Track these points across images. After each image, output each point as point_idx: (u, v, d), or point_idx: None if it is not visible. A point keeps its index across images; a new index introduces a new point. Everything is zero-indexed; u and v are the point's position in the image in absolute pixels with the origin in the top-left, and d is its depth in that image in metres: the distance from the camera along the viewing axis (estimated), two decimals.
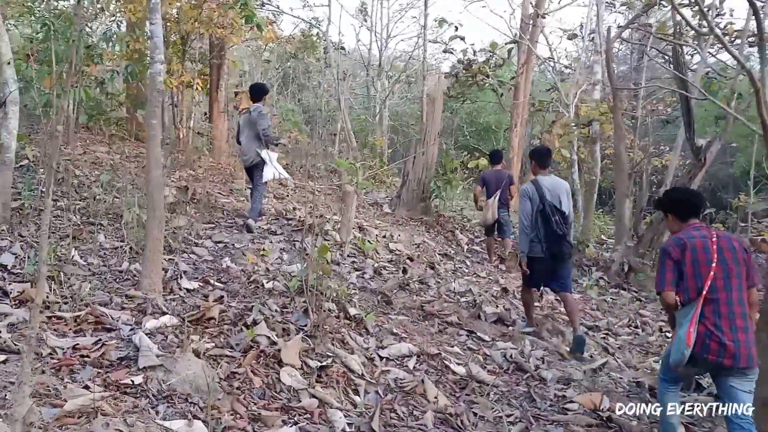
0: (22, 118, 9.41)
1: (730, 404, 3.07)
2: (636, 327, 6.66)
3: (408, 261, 7.01)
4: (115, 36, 9.58)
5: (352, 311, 4.46)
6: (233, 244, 5.61)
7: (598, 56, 9.99)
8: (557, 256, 5.08)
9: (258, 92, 6.76)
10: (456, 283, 6.32)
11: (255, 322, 3.68)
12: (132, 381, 2.78)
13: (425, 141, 9.93)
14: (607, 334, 6.18)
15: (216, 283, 4.46)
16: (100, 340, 3.10)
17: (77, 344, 3.02)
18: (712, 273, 3.11)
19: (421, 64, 19.45)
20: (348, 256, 6.34)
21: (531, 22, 14.53)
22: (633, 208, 8.78)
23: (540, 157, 5.29)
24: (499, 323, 5.42)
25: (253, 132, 6.51)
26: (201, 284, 4.37)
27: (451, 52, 16.10)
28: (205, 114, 12.70)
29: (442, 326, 5.04)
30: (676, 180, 8.64)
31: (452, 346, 4.65)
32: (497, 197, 7.80)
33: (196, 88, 10.15)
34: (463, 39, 15.53)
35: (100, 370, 2.85)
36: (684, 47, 7.56)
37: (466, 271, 7.59)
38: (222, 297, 4.13)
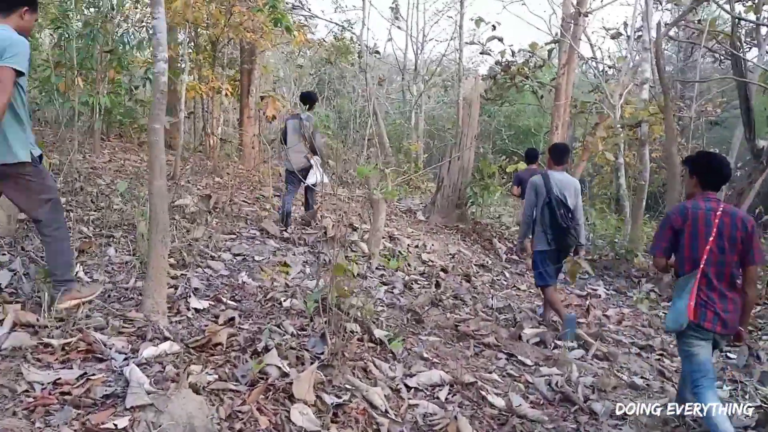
0: (48, 127, 9.37)
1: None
2: None
3: (442, 273, 6.53)
4: (145, 41, 9.40)
5: (378, 333, 4.00)
6: (253, 257, 5.22)
7: (647, 53, 9.31)
8: (562, 249, 5.27)
9: (308, 99, 6.89)
10: (494, 299, 5.79)
11: (266, 349, 3.25)
12: (115, 425, 2.38)
13: (461, 145, 9.42)
14: (662, 354, 5.56)
15: (229, 302, 4.06)
16: (85, 374, 2.72)
17: (59, 379, 2.64)
18: (708, 247, 3.24)
19: (457, 67, 18.90)
20: (377, 268, 5.89)
21: (572, 20, 13.88)
22: None
23: (556, 154, 5.42)
24: (541, 345, 4.88)
25: (301, 137, 6.59)
26: (212, 303, 3.98)
27: (489, 54, 15.53)
28: (238, 120, 12.47)
29: (478, 348, 4.53)
30: (732, 186, 7.92)
31: (490, 373, 4.15)
32: None
33: (226, 94, 9.87)
34: (501, 40, 14.95)
35: (80, 411, 2.46)
36: (741, 42, 6.87)
37: (505, 283, 7.05)
38: (233, 318, 3.73)
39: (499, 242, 9.05)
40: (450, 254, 7.45)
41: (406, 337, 4.27)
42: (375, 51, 19.98)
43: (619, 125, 9.74)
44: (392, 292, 5.30)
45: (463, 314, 5.23)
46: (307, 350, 3.35)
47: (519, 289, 6.91)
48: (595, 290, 7.72)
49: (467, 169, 9.49)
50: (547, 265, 5.27)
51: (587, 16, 15.08)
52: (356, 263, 5.67)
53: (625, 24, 15.12)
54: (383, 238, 7.03)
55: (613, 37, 15.69)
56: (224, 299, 4.07)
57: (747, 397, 4.73)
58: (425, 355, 3.99)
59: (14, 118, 3.07)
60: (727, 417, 3.27)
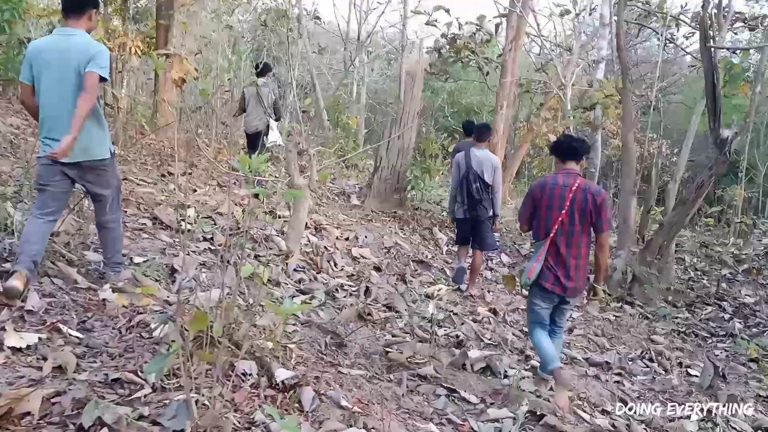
0: None
1: (556, 315, 3.83)
2: (651, 360, 5.27)
3: (374, 273, 5.52)
4: None
5: (281, 374, 2.95)
6: (131, 258, 4.03)
7: (604, 30, 8.45)
8: (476, 218, 5.75)
9: (264, 69, 7.74)
10: (432, 307, 4.83)
11: (101, 423, 2.15)
12: None
13: (402, 122, 8.37)
14: (620, 373, 4.77)
15: (72, 333, 2.89)
16: None
17: None
18: (560, 218, 3.54)
19: (401, 38, 17.69)
20: (296, 270, 4.81)
21: None
22: (639, 207, 7.38)
23: (478, 132, 5.93)
24: (488, 373, 3.97)
25: (260, 103, 7.37)
26: (47, 335, 2.81)
27: (435, 25, 14.44)
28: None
29: (413, 382, 3.57)
30: (691, 175, 7.25)
31: (426, 418, 3.19)
32: None
33: (134, 52, 8.42)
34: (447, 11, 13.89)
35: None
36: (711, 22, 6.08)
37: (446, 283, 6.13)
38: (65, 364, 2.58)
39: (440, 231, 8.13)
40: (385, 248, 6.45)
41: (321, 372, 3.25)
42: (315, 16, 18.52)
43: (570, 107, 8.95)
44: (310, 303, 4.25)
45: (397, 331, 4.24)
46: (160, 425, 2.25)
47: (461, 291, 6.00)
48: None
49: (408, 149, 8.46)
50: (463, 232, 5.95)
51: None
52: (270, 265, 4.58)
53: (575, 1, 14.34)
54: (307, 229, 5.94)
55: (561, 15, 14.91)
56: (66, 328, 2.89)
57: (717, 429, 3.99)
58: (343, 403, 2.98)
59: (99, 119, 3.40)
60: (551, 348, 3.69)
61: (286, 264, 4.74)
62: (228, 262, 4.08)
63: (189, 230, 4.90)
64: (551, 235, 3.56)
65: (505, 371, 4.01)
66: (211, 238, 4.91)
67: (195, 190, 6.74)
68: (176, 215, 5.18)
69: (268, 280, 4.32)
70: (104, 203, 3.49)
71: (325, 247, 5.58)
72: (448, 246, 7.75)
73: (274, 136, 7.21)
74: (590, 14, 12.59)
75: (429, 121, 24.99)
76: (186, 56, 7.09)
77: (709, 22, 5.93)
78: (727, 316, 6.81)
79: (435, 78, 23.87)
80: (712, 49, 6.08)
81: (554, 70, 14.33)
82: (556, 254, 3.57)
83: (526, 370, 4.09)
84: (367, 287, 4.76)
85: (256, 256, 4.74)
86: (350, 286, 4.81)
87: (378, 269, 5.71)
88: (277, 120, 7.49)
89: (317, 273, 4.88)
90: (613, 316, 6.43)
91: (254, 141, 7.34)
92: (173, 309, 3.37)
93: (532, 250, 3.94)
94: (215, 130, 12.21)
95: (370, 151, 13.89)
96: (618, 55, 7.07)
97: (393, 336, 4.07)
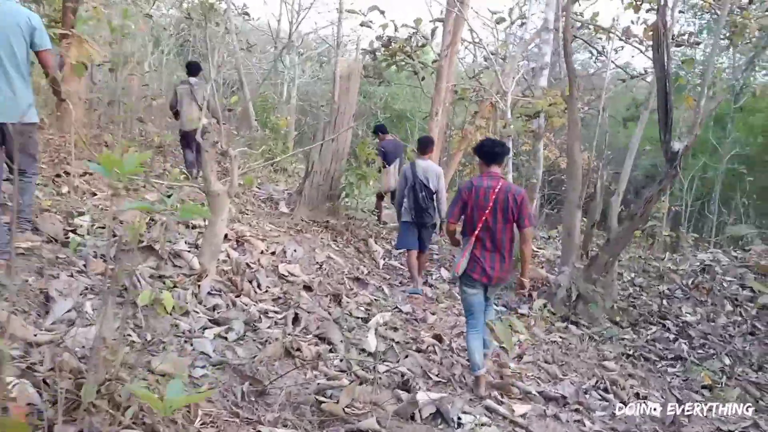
0: None
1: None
2: (606, 391, 4.82)
3: (304, 293, 4.78)
4: None
5: None
6: None
7: (548, 35, 8.08)
8: (421, 224, 6.16)
9: (196, 68, 7.81)
10: (372, 338, 4.15)
11: None
12: None
13: (336, 124, 7.68)
14: (578, 410, 4.27)
15: None
16: None
17: None
18: (485, 217, 3.93)
19: (335, 35, 16.93)
20: (211, 293, 4.00)
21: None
22: (584, 221, 7.03)
23: (421, 145, 6.30)
24: (440, 420, 3.33)
25: (194, 101, 7.46)
26: None
27: (369, 27, 13.85)
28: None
29: None
30: (640, 189, 6.96)
31: None
32: (397, 165, 8.17)
33: None
34: (382, 13, 13.35)
35: None
36: (665, 27, 5.76)
37: (385, 304, 5.47)
38: None
39: (376, 243, 7.48)
40: (317, 263, 5.72)
41: (238, 429, 2.50)
42: (244, 12, 17.50)
43: (510, 116, 8.55)
44: (226, 338, 3.47)
45: (332, 370, 3.53)
46: None
47: (402, 311, 5.37)
48: None
49: (343, 153, 7.77)
50: (409, 234, 6.23)
51: None
52: (176, 288, 3.77)
53: (511, 9, 14.14)
54: (227, 242, 5.13)
55: (497, 22, 14.69)
56: None
57: None
58: None
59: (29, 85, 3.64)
60: (480, 355, 3.99)
61: (198, 286, 3.93)
62: (119, 287, 3.26)
63: (79, 244, 3.99)
64: (477, 231, 3.93)
65: (459, 418, 3.38)
66: (103, 255, 4.02)
67: (94, 194, 5.77)
68: (64, 225, 4.25)
69: (174, 308, 3.52)
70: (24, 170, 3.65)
71: (247, 264, 4.79)
72: (384, 259, 7.11)
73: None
74: (521, 25, 12.33)
75: (362, 126, 24.46)
76: (89, 39, 6.07)
77: (663, 28, 5.60)
78: (672, 337, 6.53)
79: (369, 82, 23.37)
80: (665, 58, 5.76)
81: (490, 77, 14.08)
82: (481, 248, 3.95)
83: (484, 416, 3.47)
84: (296, 314, 4.01)
85: (160, 277, 3.90)
86: (276, 312, 4.05)
87: (309, 289, 4.97)
88: (213, 118, 7.39)
89: (237, 296, 4.09)
90: (560, 337, 5.98)
91: (191, 139, 7.37)
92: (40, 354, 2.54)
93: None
94: (129, 126, 11.06)
95: (301, 154, 13.10)
96: (565, 62, 6.69)
97: (327, 378, 3.36)
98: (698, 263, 8.35)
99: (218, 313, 3.76)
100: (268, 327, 3.74)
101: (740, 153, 15.69)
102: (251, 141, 13.02)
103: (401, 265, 7.10)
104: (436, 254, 7.83)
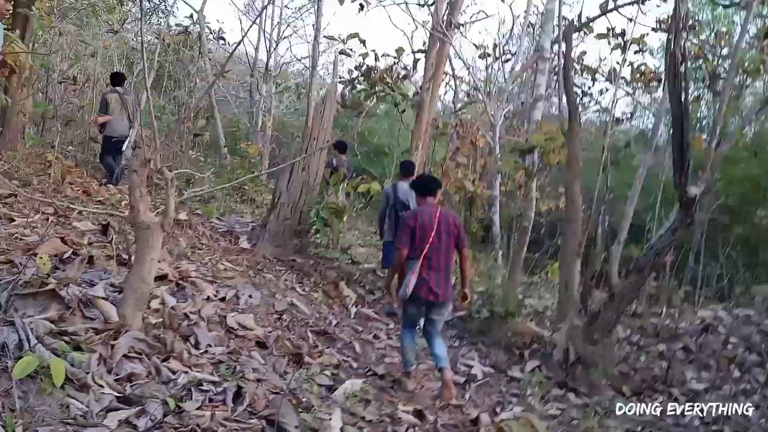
0: None
1: (431, 326, 4.44)
2: None
3: (257, 352, 3.82)
4: None
5: None
6: None
7: (544, 64, 7.40)
8: None
9: (120, 78, 8.07)
10: (336, 417, 3.19)
11: None
12: None
13: (308, 152, 6.83)
14: None
15: None
16: None
17: None
18: (430, 239, 4.26)
19: (312, 56, 16.15)
20: (128, 356, 3.02)
21: (442, 31, 12.03)
22: (584, 272, 6.25)
23: (403, 169, 6.57)
24: None
25: (124, 109, 7.61)
26: None
27: (348, 55, 13.18)
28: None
29: None
30: (653, 237, 6.22)
31: None
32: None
33: None
34: (363, 42, 12.73)
35: None
36: (684, 57, 5.09)
37: (355, 367, 4.53)
38: None
39: (348, 287, 6.55)
40: (276, 312, 4.76)
41: None
42: (220, 36, 16.77)
43: (498, 152, 7.82)
44: (135, 427, 2.49)
45: None
46: None
47: (377, 375, 4.43)
48: (470, 367, 5.51)
49: (314, 184, 6.89)
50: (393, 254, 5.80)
51: (458, 28, 13.43)
52: (79, 349, 2.80)
53: (496, 44, 13.66)
54: (166, 284, 4.16)
55: (481, 57, 14.19)
56: None
57: None
58: None
59: None
60: (413, 353, 4.50)
61: (112, 347, 2.95)
62: None
63: None
64: (425, 251, 4.21)
65: None
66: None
67: (12, 220, 4.76)
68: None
69: (69, 379, 2.54)
70: None
71: (186, 314, 3.82)
72: (357, 307, 6.18)
73: (130, 143, 7.58)
74: (506, 62, 11.80)
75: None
76: (14, 38, 5.14)
77: (681, 58, 4.93)
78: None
79: (346, 114, 22.70)
80: (682, 91, 5.07)
81: (473, 111, 13.47)
82: (428, 268, 4.23)
83: None
84: (239, 387, 3.05)
85: (62, 334, 2.92)
86: (213, 383, 3.08)
87: (263, 346, 4.02)
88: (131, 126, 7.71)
89: (164, 360, 3.11)
90: (557, 409, 5.09)
91: (118, 147, 7.56)
92: None
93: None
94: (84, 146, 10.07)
95: (272, 184, 12.19)
96: (565, 91, 5.99)
97: None
98: (699, 321, 7.59)
99: (133, 386, 2.78)
100: (199, 407, 2.76)
101: (721, 204, 15.29)
102: (219, 168, 12.08)
103: (376, 314, 6.17)
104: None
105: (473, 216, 19.96)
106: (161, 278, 4.15)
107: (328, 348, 4.60)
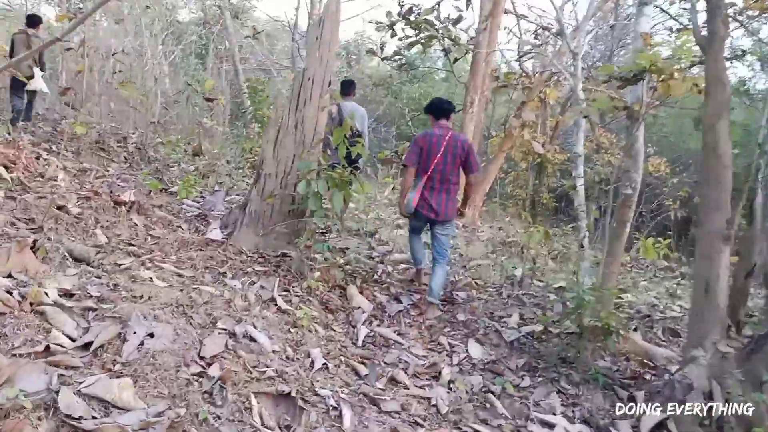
0: None
1: (436, 242, 4.58)
2: None
3: None
4: None
5: None
6: None
7: None
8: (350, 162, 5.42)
9: (36, 20, 7.94)
10: None
11: None
12: None
13: (301, 99, 4.73)
14: None
15: None
16: None
17: None
18: (436, 160, 4.41)
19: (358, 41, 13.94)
20: None
21: None
22: (735, 268, 3.85)
23: (345, 87, 6.30)
24: None
25: (26, 50, 7.35)
26: None
27: None
28: None
29: None
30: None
31: None
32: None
33: None
34: None
35: None
36: None
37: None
38: None
39: (363, 293, 4.45)
40: (200, 361, 2.72)
41: None
42: None
43: (581, 95, 5.41)
44: None
45: None
46: None
47: None
48: (551, 427, 3.32)
49: (312, 146, 4.80)
50: None
51: None
52: None
53: None
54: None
55: None
56: None
57: None
58: None
59: None
60: (421, 252, 4.91)
61: None
62: None
63: None
64: (429, 172, 4.41)
65: None
66: None
67: None
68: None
69: None
70: None
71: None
72: (371, 324, 4.07)
73: (38, 84, 7.59)
74: None
75: (391, 129, 21.50)
76: None
77: None
78: None
79: (397, 80, 20.34)
80: None
81: (543, 57, 10.92)
82: (430, 188, 4.46)
83: None
84: None
85: None
86: None
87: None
88: (42, 70, 7.84)
89: None
90: None
91: (20, 86, 7.51)
92: None
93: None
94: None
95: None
96: None
97: None
98: None
99: None
100: None
101: None
102: (237, 137, 10.22)
103: (400, 335, 4.05)
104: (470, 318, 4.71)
105: (543, 184, 17.40)
106: None
107: (320, 407, 2.52)
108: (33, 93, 7.79)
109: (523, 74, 11.35)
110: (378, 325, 4.11)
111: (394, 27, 10.78)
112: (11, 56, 7.56)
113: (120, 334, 2.54)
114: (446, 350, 4.00)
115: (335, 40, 4.88)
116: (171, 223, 4.73)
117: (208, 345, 2.76)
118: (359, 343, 3.76)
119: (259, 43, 17.20)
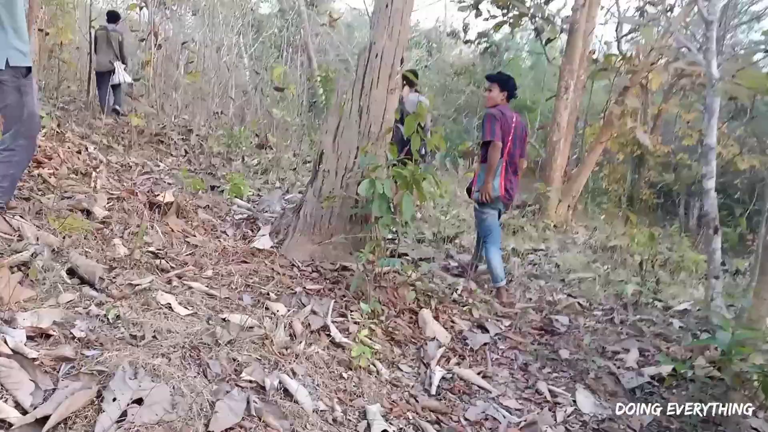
0: None
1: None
2: None
3: None
4: None
5: None
6: None
7: None
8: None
9: (114, 16, 8.24)
10: None
11: None
12: None
13: (366, 81, 3.91)
14: None
15: None
16: None
17: None
18: (509, 143, 4.26)
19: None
20: None
21: None
22: None
23: (404, 79, 5.52)
24: None
25: (109, 46, 7.96)
26: None
27: None
28: None
29: None
30: None
31: None
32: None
33: None
34: None
35: None
36: None
37: None
38: None
39: (436, 318, 3.59)
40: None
41: None
42: None
43: (716, 74, 4.27)
44: None
45: None
46: None
47: None
48: None
49: (379, 136, 3.97)
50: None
51: None
52: None
53: None
54: None
55: None
56: None
57: None
58: None
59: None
60: (501, 265, 4.40)
61: None
62: None
63: None
64: (504, 155, 4.23)
65: None
66: None
67: None
68: None
69: None
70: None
71: None
72: (449, 364, 3.20)
73: (121, 77, 7.86)
74: None
75: (473, 120, 20.36)
76: None
77: None
78: None
79: (480, 68, 19.13)
80: None
81: (648, 35, 9.54)
82: (506, 171, 4.28)
83: None
84: None
85: None
86: None
87: None
88: (123, 63, 8.04)
89: None
90: None
91: (104, 79, 7.94)
92: None
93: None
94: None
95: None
96: None
97: None
98: None
99: None
100: None
101: None
102: (300, 128, 9.59)
103: (486, 377, 3.15)
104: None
105: (643, 179, 15.72)
106: None
107: None
108: (117, 86, 8.06)
109: (626, 56, 9.99)
110: (457, 364, 3.23)
111: (479, 6, 9.78)
112: (94, 52, 8.04)
113: (94, 401, 1.81)
114: (547, 401, 3.06)
115: (409, 8, 4.01)
116: (214, 228, 4.06)
117: (222, 412, 1.98)
118: (432, 390, 2.90)
119: (337, 33, 16.59)
